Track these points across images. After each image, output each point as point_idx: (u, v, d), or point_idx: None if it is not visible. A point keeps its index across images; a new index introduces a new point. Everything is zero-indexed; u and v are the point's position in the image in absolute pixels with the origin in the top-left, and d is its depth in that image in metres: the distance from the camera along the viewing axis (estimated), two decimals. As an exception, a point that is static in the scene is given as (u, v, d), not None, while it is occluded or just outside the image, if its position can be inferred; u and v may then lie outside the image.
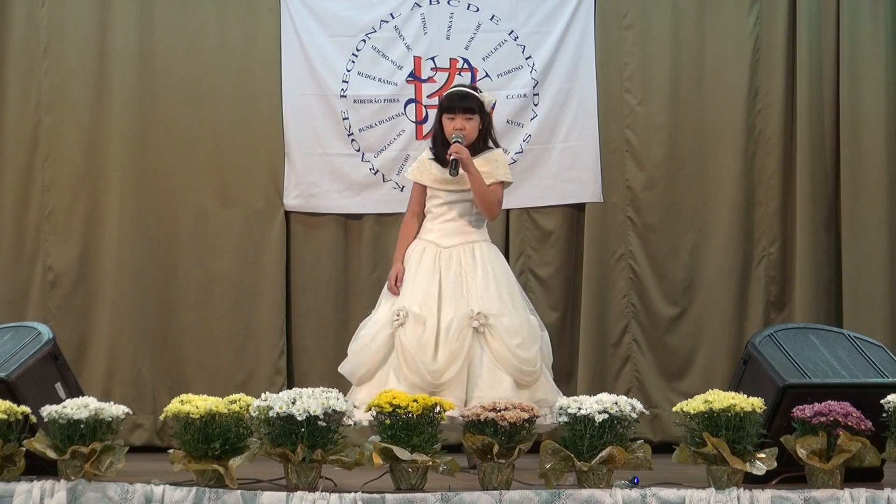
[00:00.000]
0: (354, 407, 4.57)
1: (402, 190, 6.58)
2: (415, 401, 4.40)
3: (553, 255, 6.79)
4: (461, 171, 5.50)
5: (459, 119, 5.58)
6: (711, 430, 4.39)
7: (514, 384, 5.42)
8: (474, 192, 5.55)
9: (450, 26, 6.77)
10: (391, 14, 6.76)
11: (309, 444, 4.31)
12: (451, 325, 5.41)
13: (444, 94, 5.82)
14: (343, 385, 5.43)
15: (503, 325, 5.47)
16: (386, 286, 5.63)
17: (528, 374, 5.47)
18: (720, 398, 4.42)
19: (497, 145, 5.70)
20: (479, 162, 5.56)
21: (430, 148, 5.72)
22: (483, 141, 5.64)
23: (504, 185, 5.63)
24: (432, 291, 5.49)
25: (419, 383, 5.30)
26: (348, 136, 6.75)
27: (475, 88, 5.74)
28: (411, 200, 5.73)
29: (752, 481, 4.47)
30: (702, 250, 6.78)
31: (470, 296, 5.49)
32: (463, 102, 5.60)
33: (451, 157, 5.48)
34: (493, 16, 6.77)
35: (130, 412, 4.57)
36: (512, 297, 5.59)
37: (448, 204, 5.61)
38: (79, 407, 4.44)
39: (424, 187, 5.67)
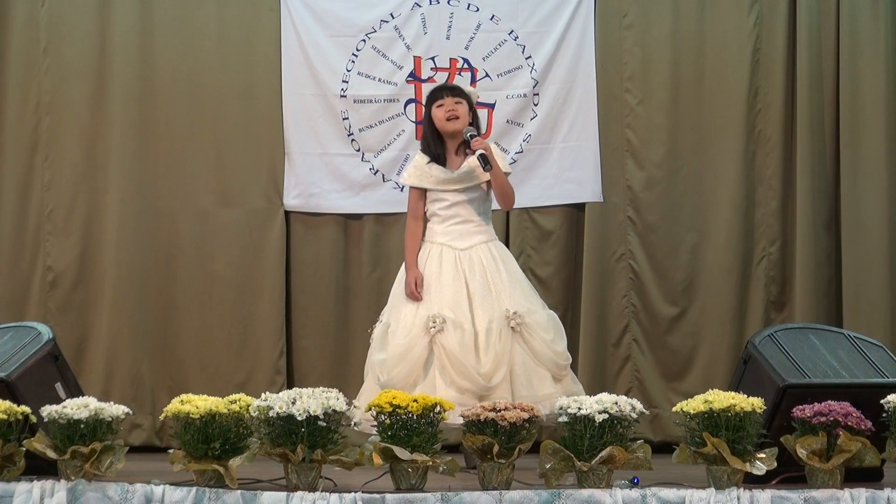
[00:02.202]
0: (355, 407, 4.56)
1: (402, 190, 6.56)
2: (415, 401, 4.39)
3: (553, 254, 6.79)
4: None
5: (449, 101, 5.52)
6: (711, 430, 4.39)
7: (552, 379, 5.42)
8: (497, 183, 5.48)
9: (450, 26, 6.76)
10: (391, 14, 6.76)
11: (309, 444, 4.31)
12: (491, 328, 5.37)
13: (427, 93, 5.72)
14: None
15: (536, 321, 5.45)
16: (400, 291, 5.53)
17: (562, 368, 5.47)
18: (720, 398, 4.42)
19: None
20: None
21: (423, 151, 5.63)
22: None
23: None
24: (461, 295, 5.42)
25: (471, 388, 5.25)
26: (348, 136, 6.74)
27: None
28: (412, 205, 5.62)
29: (752, 481, 4.47)
30: (702, 250, 6.77)
31: (500, 296, 5.44)
32: (449, 87, 5.60)
33: (479, 154, 5.41)
34: (493, 16, 6.77)
35: (130, 412, 4.57)
36: (533, 293, 5.59)
37: (456, 205, 5.53)
38: (79, 407, 4.43)
39: (423, 191, 5.59)
